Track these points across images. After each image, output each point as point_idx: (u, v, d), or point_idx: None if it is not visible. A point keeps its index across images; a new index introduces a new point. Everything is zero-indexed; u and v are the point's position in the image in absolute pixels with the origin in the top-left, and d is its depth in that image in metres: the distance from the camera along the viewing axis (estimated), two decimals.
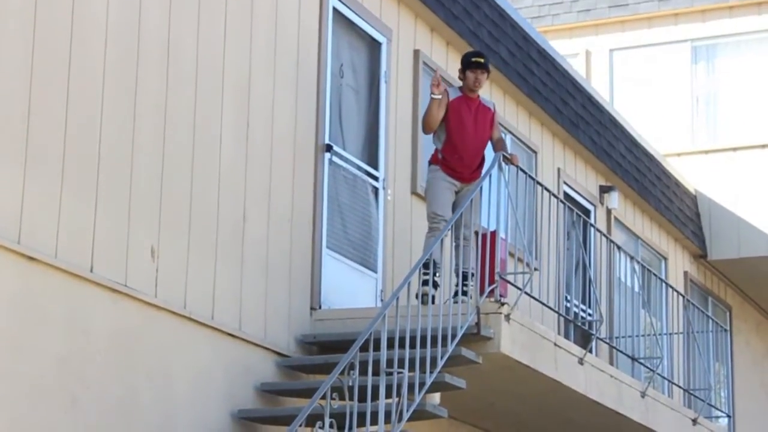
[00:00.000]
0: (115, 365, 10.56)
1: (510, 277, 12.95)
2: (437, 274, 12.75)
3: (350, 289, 13.53)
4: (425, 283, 12.57)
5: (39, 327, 9.90)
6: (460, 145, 13.12)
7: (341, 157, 13.70)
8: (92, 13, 10.55)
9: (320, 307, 12.99)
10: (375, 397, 10.72)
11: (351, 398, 10.65)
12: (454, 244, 12.98)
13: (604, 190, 19.80)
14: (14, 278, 9.73)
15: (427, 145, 15.00)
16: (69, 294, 10.20)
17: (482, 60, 13.29)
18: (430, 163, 13.37)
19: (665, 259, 22.06)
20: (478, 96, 13.39)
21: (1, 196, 9.62)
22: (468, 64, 13.28)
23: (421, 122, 13.50)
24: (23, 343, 9.75)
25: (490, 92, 16.58)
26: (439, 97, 13.02)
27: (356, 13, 14.07)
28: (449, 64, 15.75)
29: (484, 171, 12.92)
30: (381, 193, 14.32)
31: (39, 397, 9.83)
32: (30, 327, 9.82)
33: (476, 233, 12.80)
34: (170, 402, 11.05)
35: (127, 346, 10.70)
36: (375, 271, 14.06)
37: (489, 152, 13.26)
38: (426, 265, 12.44)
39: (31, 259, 9.84)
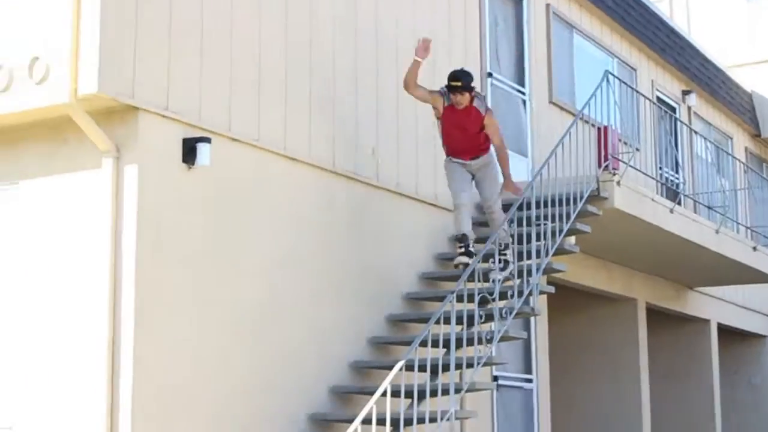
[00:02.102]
0: (352, 229, 10.74)
1: (619, 156, 12.83)
2: (471, 245, 10.50)
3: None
4: (461, 254, 10.44)
5: (298, 206, 10.10)
6: (451, 143, 10.68)
7: (499, 80, 13.62)
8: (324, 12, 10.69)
9: None
10: (529, 240, 10.77)
11: (513, 243, 10.73)
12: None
13: (685, 93, 19.35)
14: (282, 174, 9.93)
15: (557, 72, 14.93)
16: (318, 182, 10.36)
17: (459, 84, 10.27)
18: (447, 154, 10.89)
19: (731, 138, 21.55)
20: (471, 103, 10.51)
21: (270, 118, 9.81)
22: (448, 86, 10.41)
23: (403, 80, 10.58)
24: (288, 218, 9.96)
25: (601, 33, 16.35)
26: (420, 60, 10.37)
27: None
28: (571, 13, 15.54)
29: (595, 88, 12.61)
30: (527, 103, 14.24)
31: (297, 257, 10.01)
32: (293, 206, 10.03)
33: (593, 126, 12.61)
34: (390, 252, 11.20)
35: (359, 216, 10.86)
36: (526, 156, 14.00)
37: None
38: (459, 239, 10.55)
39: (293, 159, 10.04)
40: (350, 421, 8.55)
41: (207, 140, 8.84)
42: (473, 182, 10.82)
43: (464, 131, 10.57)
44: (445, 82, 10.46)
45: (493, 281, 10.23)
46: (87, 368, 8.35)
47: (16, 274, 8.92)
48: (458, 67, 10.72)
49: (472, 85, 10.47)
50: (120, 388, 8.19)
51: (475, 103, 10.52)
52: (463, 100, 10.37)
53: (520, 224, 10.81)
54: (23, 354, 8.74)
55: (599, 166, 12.27)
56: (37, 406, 8.58)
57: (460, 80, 10.32)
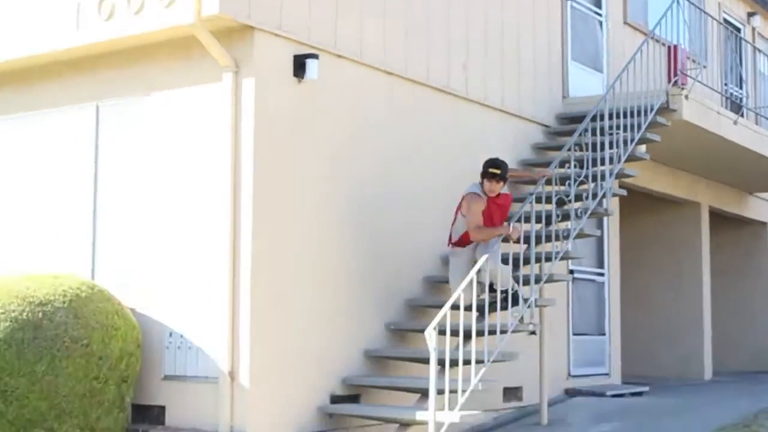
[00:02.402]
0: (444, 136, 10.77)
1: (688, 72, 12.60)
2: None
3: (586, 84, 13.35)
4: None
5: (398, 116, 10.16)
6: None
7: (578, 3, 13.41)
8: None
9: (568, 96, 12.90)
10: (603, 148, 10.71)
11: (587, 149, 10.68)
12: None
13: (750, 14, 18.86)
14: (383, 87, 9.99)
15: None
16: (414, 95, 10.38)
17: (498, 171, 9.17)
18: (454, 245, 9.48)
19: None
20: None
21: (370, 35, 9.83)
22: (484, 173, 9.26)
23: (472, 220, 9.19)
24: (385, 127, 10.03)
25: None
26: (507, 234, 9.19)
27: None
28: None
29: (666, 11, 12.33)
30: (603, 23, 14.02)
31: (393, 162, 10.11)
32: (393, 116, 10.10)
33: (664, 44, 12.37)
34: (479, 159, 11.12)
35: (451, 126, 10.88)
36: (601, 72, 13.81)
37: None
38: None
39: (390, 74, 10.08)
40: (440, 306, 8.67)
41: (315, 56, 8.94)
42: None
43: (499, 218, 9.39)
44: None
45: (569, 185, 10.22)
46: (210, 257, 8.61)
47: (146, 175, 9.17)
48: (494, 156, 9.44)
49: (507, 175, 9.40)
50: (240, 275, 8.45)
51: (504, 189, 9.48)
52: (496, 188, 9.23)
53: (594, 133, 10.76)
54: (152, 247, 9.03)
55: (669, 81, 12.12)
56: (169, 289, 8.87)
57: (499, 168, 9.17)
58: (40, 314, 7.95)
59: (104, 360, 8.13)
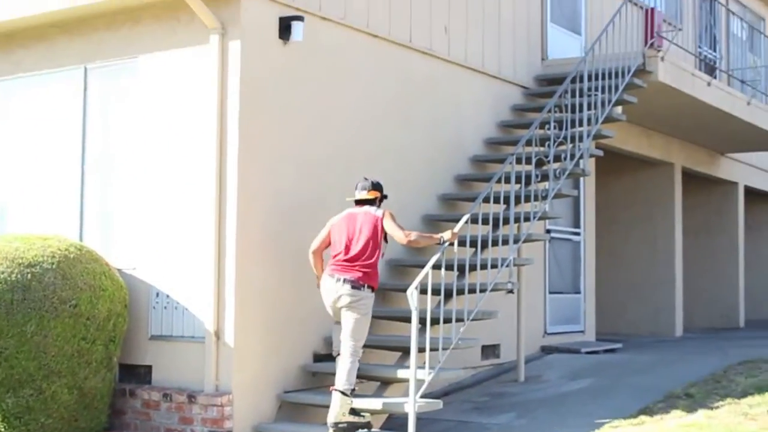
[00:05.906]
0: (426, 99, 10.70)
1: (663, 34, 12.56)
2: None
3: (565, 47, 13.28)
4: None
5: (380, 77, 10.07)
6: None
7: None
8: None
9: (547, 58, 12.82)
10: (581, 109, 10.68)
11: (566, 111, 10.64)
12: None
13: None
14: (365, 49, 9.89)
15: None
16: (398, 56, 10.27)
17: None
18: (369, 287, 8.13)
19: (763, 19, 20.93)
20: None
21: None
22: (383, 197, 8.53)
23: (403, 230, 8.22)
24: (370, 87, 9.92)
25: None
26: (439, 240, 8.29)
27: None
28: None
29: None
30: None
31: (377, 121, 10.04)
32: (374, 78, 10.00)
33: (641, 8, 12.31)
34: (459, 119, 11.18)
35: (433, 86, 10.81)
36: (579, 34, 13.71)
37: None
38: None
39: (375, 36, 9.94)
40: (422, 266, 8.64)
41: (300, 18, 8.82)
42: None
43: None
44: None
45: (548, 146, 10.19)
46: (196, 219, 8.54)
47: (134, 137, 9.07)
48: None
49: None
50: (225, 236, 8.38)
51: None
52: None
53: (573, 95, 10.72)
54: (139, 208, 8.95)
55: (645, 43, 12.09)
56: (155, 250, 8.81)
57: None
58: (29, 275, 7.86)
59: (92, 320, 8.06)
